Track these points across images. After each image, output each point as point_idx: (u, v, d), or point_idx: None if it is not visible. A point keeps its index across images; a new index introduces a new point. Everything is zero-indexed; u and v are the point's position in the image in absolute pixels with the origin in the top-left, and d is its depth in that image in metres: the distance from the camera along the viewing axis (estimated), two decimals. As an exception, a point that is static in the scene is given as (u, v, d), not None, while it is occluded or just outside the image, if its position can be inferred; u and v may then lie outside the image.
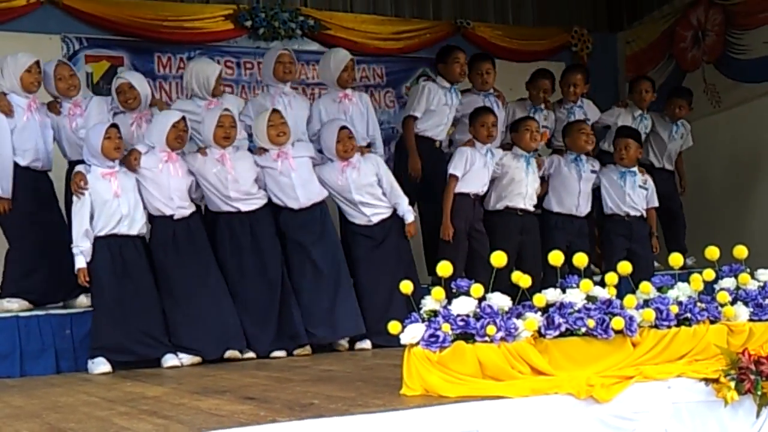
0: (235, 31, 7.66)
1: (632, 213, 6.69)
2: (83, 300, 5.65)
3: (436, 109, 6.61)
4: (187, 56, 7.45)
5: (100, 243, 5.37)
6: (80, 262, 5.32)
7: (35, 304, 5.61)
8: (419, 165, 6.47)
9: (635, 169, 6.73)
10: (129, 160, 5.50)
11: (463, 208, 6.19)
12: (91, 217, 5.37)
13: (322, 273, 5.79)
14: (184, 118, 5.58)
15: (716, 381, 3.47)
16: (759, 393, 3.45)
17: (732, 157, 7.93)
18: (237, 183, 5.68)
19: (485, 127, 6.22)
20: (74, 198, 5.37)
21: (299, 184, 5.79)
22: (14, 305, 5.51)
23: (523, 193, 6.38)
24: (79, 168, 5.45)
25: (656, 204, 6.84)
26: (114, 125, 5.46)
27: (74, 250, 5.33)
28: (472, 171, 6.18)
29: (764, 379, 3.46)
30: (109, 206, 5.36)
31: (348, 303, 5.79)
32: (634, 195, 6.69)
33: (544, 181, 6.63)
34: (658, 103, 7.65)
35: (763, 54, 7.58)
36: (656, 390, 3.39)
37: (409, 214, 6.00)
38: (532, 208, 6.47)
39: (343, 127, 5.93)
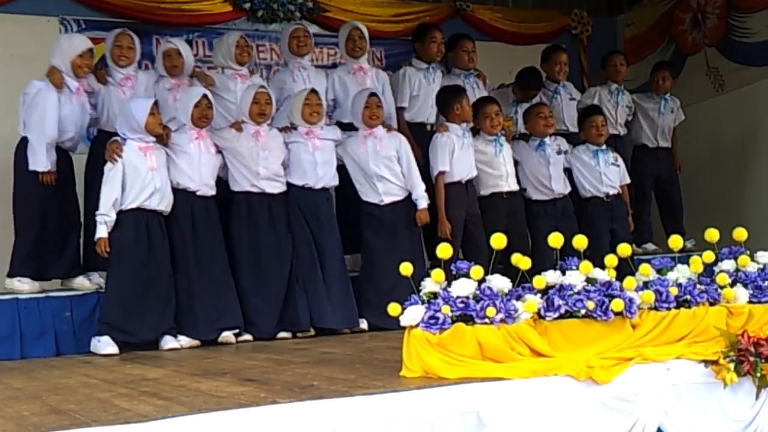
0: (233, 13, 7.65)
1: (611, 192, 6.66)
2: (82, 281, 5.66)
3: (419, 92, 6.65)
4: (185, 39, 7.41)
5: (128, 217, 5.34)
6: (102, 232, 5.28)
7: (42, 280, 5.61)
8: (419, 153, 6.46)
9: (605, 147, 6.72)
10: (162, 136, 5.52)
11: (456, 197, 6.14)
12: (122, 190, 5.35)
13: (324, 260, 5.82)
14: (206, 95, 5.61)
15: (715, 363, 3.47)
16: (758, 375, 3.46)
17: (732, 140, 7.94)
18: (267, 160, 5.74)
19: (465, 105, 6.18)
20: (107, 166, 5.35)
21: (321, 163, 5.86)
22: (25, 287, 5.50)
23: (504, 175, 6.34)
24: (115, 138, 5.45)
25: (628, 180, 6.84)
26: (156, 102, 5.49)
27: (98, 219, 5.29)
28: (454, 158, 6.12)
29: (763, 361, 3.46)
30: (143, 179, 5.36)
31: (346, 294, 5.83)
32: (609, 173, 6.66)
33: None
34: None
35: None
36: (656, 372, 3.39)
37: (422, 200, 5.97)
38: (516, 187, 6.42)
39: (373, 94, 6.00)
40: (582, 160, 6.66)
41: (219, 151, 5.73)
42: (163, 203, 5.46)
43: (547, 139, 6.59)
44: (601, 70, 7.65)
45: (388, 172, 5.96)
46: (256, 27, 7.65)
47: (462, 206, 6.16)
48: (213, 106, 5.66)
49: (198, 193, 5.60)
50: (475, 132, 6.38)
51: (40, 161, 5.47)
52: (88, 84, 5.77)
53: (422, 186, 5.98)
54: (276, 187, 5.82)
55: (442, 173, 6.09)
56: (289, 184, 5.87)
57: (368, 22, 7.91)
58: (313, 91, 5.92)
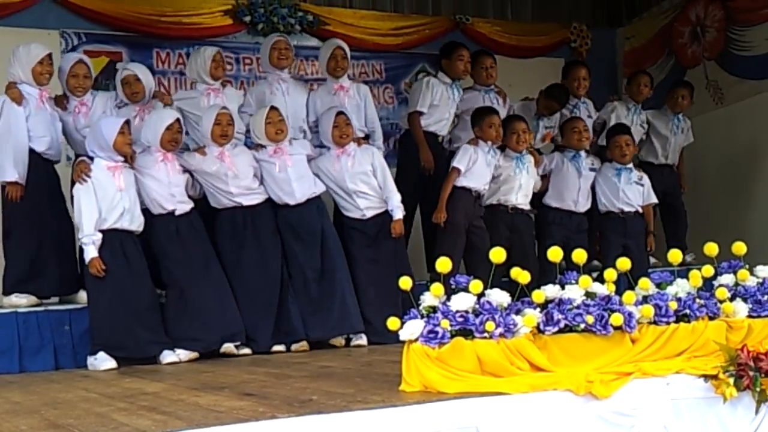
0: (233, 26, 7.67)
1: (626, 209, 6.74)
2: (82, 295, 5.63)
3: (439, 103, 6.64)
4: (185, 51, 7.44)
5: (102, 237, 5.32)
6: (93, 252, 5.25)
7: (41, 298, 5.59)
8: (431, 157, 6.50)
9: (631, 166, 6.78)
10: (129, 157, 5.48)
11: (463, 202, 6.21)
12: None
13: (319, 269, 5.81)
14: (178, 119, 5.58)
15: (715, 377, 3.46)
16: (758, 389, 3.45)
17: (731, 153, 7.93)
18: (237, 179, 5.70)
19: (494, 128, 6.26)
20: (77, 186, 5.32)
21: (295, 179, 5.81)
22: (23, 300, 5.49)
23: (514, 188, 6.41)
24: (83, 158, 5.43)
25: (654, 201, 6.88)
26: (127, 121, 5.44)
27: (85, 240, 5.26)
28: (474, 168, 6.21)
29: (763, 376, 3.46)
30: (112, 199, 5.33)
31: (345, 300, 5.80)
32: (629, 191, 6.74)
33: (545, 177, 6.67)
34: (656, 100, 7.65)
35: (767, 50, 7.56)
36: (655, 386, 3.38)
37: (398, 211, 5.97)
38: (526, 206, 6.49)
39: (340, 113, 5.97)
40: (605, 176, 6.78)
41: (185, 170, 5.69)
42: (135, 224, 5.43)
43: (582, 153, 6.71)
44: (625, 86, 7.67)
45: (366, 187, 5.98)
46: (256, 40, 7.63)
47: (466, 214, 6.22)
48: (183, 131, 5.62)
49: (176, 212, 5.59)
50: (503, 148, 6.46)
51: (8, 171, 5.44)
52: (52, 105, 5.70)
53: (397, 197, 5.99)
54: (253, 199, 5.79)
55: (457, 170, 6.18)
56: (273, 203, 5.85)
57: (368, 36, 7.99)
58: (273, 108, 5.83)
